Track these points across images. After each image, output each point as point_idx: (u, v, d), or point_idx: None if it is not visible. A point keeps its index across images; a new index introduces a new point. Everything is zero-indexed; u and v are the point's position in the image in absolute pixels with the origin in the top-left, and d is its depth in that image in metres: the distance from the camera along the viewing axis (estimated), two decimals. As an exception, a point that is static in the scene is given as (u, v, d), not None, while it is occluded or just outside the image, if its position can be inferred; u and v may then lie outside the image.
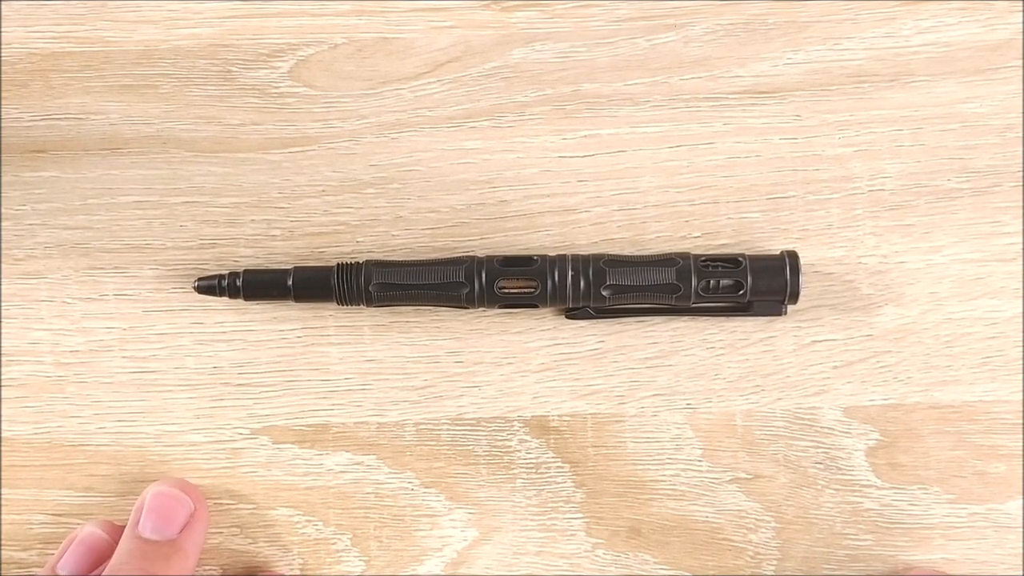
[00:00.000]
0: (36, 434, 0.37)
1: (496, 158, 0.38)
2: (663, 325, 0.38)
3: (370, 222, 0.38)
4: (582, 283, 0.36)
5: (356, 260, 0.36)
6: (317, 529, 0.37)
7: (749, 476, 0.38)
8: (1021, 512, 0.37)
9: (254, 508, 0.38)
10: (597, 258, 0.36)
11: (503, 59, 0.38)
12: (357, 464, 0.38)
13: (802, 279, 0.36)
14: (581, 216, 0.38)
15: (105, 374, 0.37)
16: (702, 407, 0.38)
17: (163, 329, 0.38)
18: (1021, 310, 0.37)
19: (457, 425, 0.38)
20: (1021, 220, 0.38)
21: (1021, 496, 0.37)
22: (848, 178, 0.38)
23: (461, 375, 0.38)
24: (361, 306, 0.36)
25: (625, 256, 0.36)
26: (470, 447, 0.38)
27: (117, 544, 0.35)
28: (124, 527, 0.35)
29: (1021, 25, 0.38)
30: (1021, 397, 0.37)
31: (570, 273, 0.36)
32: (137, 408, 0.37)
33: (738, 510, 0.38)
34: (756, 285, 0.36)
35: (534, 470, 0.38)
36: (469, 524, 0.38)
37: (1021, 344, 0.37)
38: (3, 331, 0.37)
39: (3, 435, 0.37)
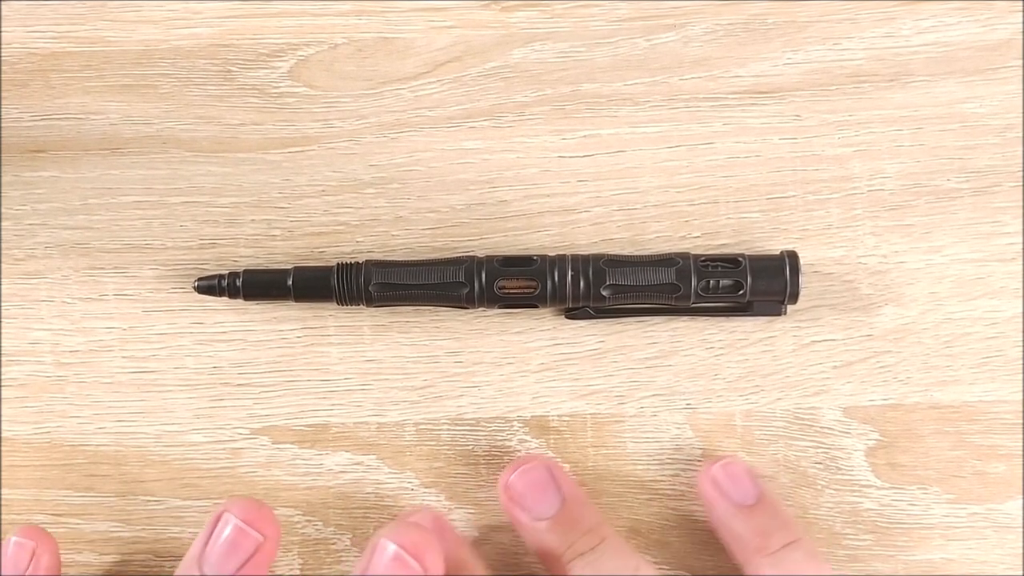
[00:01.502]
0: (36, 434, 0.37)
1: (496, 158, 0.38)
2: (663, 325, 0.38)
3: (370, 222, 0.38)
4: (582, 283, 0.36)
5: (356, 260, 0.36)
6: (317, 529, 0.37)
7: (749, 476, 0.38)
8: (1021, 512, 0.37)
9: (254, 508, 0.37)
10: (597, 258, 0.36)
11: (503, 59, 0.38)
12: (357, 464, 0.38)
13: (802, 279, 0.36)
14: (581, 216, 0.38)
15: (105, 374, 0.37)
16: (702, 407, 0.38)
17: (163, 329, 0.38)
18: (1021, 310, 0.37)
19: (457, 425, 0.38)
20: (1021, 220, 0.38)
21: (1021, 496, 0.37)
22: (848, 178, 0.38)
23: (461, 375, 0.38)
24: (361, 306, 0.36)
25: (625, 256, 0.36)
26: (470, 447, 0.38)
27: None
28: None
29: (1021, 25, 0.38)
30: (1021, 397, 0.37)
31: (570, 273, 0.36)
32: (137, 408, 0.37)
33: (738, 510, 0.38)
34: (756, 285, 0.36)
35: (534, 470, 0.38)
36: (469, 524, 0.38)
37: (1021, 344, 0.37)
38: (3, 331, 0.37)
39: (3, 435, 0.37)
